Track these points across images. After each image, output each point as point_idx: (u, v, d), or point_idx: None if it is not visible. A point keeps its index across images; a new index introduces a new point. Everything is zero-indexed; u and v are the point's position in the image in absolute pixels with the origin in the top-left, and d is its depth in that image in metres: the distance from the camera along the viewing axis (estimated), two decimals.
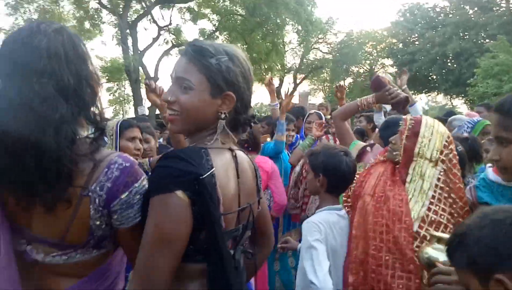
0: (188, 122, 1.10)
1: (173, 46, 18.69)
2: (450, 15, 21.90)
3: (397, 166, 1.88)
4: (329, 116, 5.63)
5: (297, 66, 25.74)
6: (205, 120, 1.10)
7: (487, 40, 18.38)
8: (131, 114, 21.49)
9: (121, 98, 21.51)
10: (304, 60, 25.55)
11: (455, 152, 1.86)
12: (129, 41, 16.07)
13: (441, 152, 1.81)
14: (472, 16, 21.05)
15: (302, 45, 21.06)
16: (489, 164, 2.12)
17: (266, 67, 19.00)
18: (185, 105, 1.07)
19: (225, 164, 1.12)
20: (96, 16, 17.13)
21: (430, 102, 37.46)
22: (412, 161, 1.80)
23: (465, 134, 3.40)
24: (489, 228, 0.89)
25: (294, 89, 26.68)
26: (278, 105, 3.91)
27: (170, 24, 18.36)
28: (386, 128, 2.44)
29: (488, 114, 5.52)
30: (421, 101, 34.54)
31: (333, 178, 1.97)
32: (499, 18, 19.37)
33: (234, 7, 17.08)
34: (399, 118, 2.19)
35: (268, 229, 1.43)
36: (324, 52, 25.82)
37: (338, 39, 25.06)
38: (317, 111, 4.21)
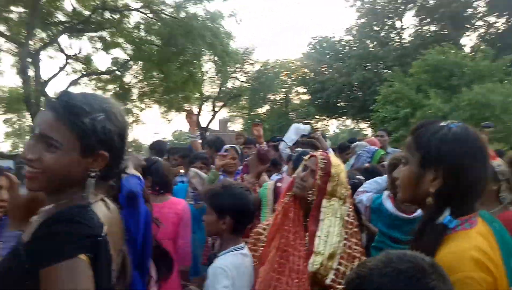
0: (51, 181, 1.02)
1: (83, 76, 17.69)
2: (354, 48, 24.06)
3: (310, 201, 1.90)
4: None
5: (215, 95, 25.97)
6: (72, 178, 1.04)
7: (385, 71, 20.46)
8: None
9: (21, 130, 19.57)
10: (223, 89, 25.90)
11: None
12: (32, 70, 14.80)
13: (348, 189, 1.91)
14: (372, 49, 23.37)
15: (219, 75, 21.36)
16: (387, 192, 2.22)
17: (183, 96, 18.83)
18: (50, 165, 0.99)
19: (106, 218, 1.07)
20: None
21: (340, 126, 40.33)
22: (323, 199, 1.84)
23: (366, 164, 3.59)
24: (390, 277, 0.85)
25: (213, 117, 26.79)
26: (199, 136, 3.73)
27: (79, 53, 17.42)
28: (299, 161, 2.49)
29: (388, 138, 6.02)
30: (333, 125, 37.14)
31: (241, 218, 1.90)
32: (394, 52, 21.79)
33: (149, 37, 16.76)
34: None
35: (127, 267, 1.35)
36: (242, 81, 26.49)
37: (255, 68, 25.97)
38: (234, 146, 4.03)
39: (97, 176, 1.06)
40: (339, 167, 1.91)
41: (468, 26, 22.54)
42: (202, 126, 24.81)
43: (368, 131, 24.51)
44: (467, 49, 20.38)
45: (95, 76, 18.34)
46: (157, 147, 4.92)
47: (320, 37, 25.86)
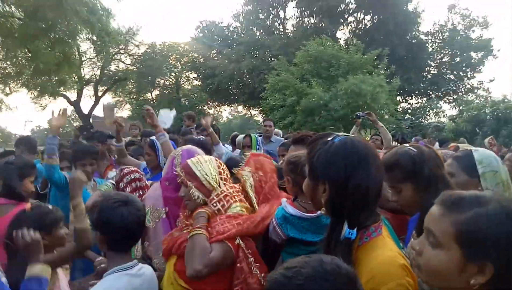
0: None
1: None
2: (242, 35, 24.43)
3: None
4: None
5: (97, 78, 23.71)
6: None
7: (272, 59, 21.30)
8: None
9: None
10: (105, 72, 23.80)
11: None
12: None
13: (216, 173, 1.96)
14: (259, 37, 24.06)
15: (100, 56, 19.45)
16: (284, 199, 2.16)
17: (57, 79, 16.65)
18: None
19: None
20: None
21: (233, 112, 41.08)
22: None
23: None
24: None
25: (96, 102, 24.50)
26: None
27: None
28: None
29: (273, 128, 6.29)
30: (225, 111, 37.62)
31: (113, 235, 1.67)
32: (279, 41, 22.80)
33: (8, 8, 14.20)
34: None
35: None
36: (127, 64, 24.68)
37: (141, 50, 24.44)
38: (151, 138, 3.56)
39: None
40: (197, 163, 1.93)
41: (342, 20, 24.84)
42: (85, 112, 22.50)
43: (260, 118, 25.41)
44: (341, 42, 22.48)
45: None
46: (26, 143, 4.25)
47: (208, 21, 25.61)
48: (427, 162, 1.61)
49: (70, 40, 15.71)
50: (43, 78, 16.52)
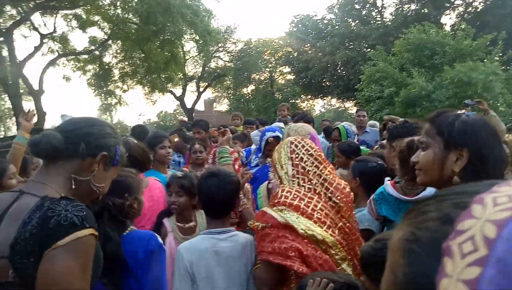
0: None
1: (60, 56, 17.01)
2: (336, 27, 23.88)
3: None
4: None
5: (199, 75, 25.56)
6: None
7: (368, 50, 20.47)
8: (14, 130, 19.16)
9: (0, 113, 18.93)
10: (206, 68, 25.50)
11: None
12: (4, 51, 14.10)
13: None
14: (354, 28, 23.26)
15: (202, 54, 20.94)
16: (388, 178, 2.20)
17: (166, 76, 18.43)
18: None
19: None
20: None
21: (326, 106, 40.53)
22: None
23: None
24: None
25: (198, 97, 26.43)
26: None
27: (55, 31, 16.69)
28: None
29: (367, 118, 6.21)
30: (318, 105, 37.29)
31: (201, 202, 1.96)
32: (376, 31, 21.76)
33: (127, 15, 16.17)
34: None
35: None
36: (225, 61, 26.11)
37: (238, 47, 25.57)
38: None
39: None
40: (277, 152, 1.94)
41: (448, 5, 22.68)
42: (188, 107, 24.46)
43: (354, 111, 24.67)
44: (447, 28, 20.57)
45: (72, 56, 17.71)
46: (139, 130, 4.84)
47: (302, 15, 25.58)
48: None
49: (176, 41, 17.26)
50: (153, 75, 18.44)
